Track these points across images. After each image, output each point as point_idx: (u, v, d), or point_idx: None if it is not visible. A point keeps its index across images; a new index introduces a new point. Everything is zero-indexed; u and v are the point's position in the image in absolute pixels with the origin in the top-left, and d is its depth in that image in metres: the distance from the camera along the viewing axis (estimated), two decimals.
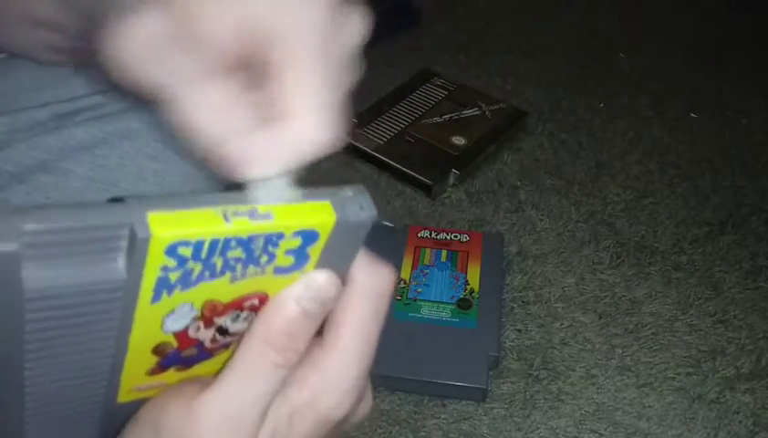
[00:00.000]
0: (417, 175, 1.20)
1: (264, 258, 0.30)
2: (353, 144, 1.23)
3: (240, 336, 0.33)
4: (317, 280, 0.31)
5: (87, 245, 0.26)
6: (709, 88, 1.45)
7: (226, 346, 0.34)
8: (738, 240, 1.15)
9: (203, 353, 0.34)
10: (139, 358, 0.32)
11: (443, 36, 1.53)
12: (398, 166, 1.21)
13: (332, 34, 0.30)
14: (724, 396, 0.95)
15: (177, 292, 0.29)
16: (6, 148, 0.50)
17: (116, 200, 0.27)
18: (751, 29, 1.61)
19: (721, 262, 1.12)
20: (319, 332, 0.34)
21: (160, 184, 0.50)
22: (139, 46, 0.29)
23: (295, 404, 0.33)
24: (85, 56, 0.42)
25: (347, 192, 0.30)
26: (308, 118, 0.29)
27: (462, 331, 0.97)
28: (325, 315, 0.33)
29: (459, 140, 1.26)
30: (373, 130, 1.26)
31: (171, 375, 0.34)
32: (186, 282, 0.29)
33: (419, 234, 1.09)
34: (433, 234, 1.10)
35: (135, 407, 0.35)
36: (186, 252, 0.27)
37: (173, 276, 0.28)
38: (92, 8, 0.35)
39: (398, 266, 1.05)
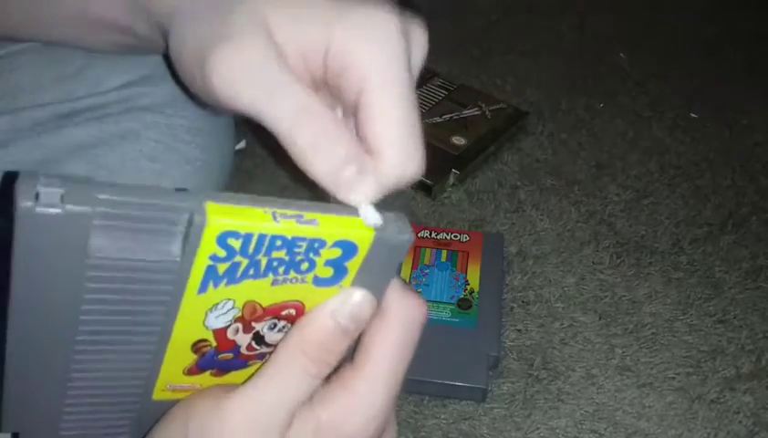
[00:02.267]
0: None
1: (305, 265, 0.31)
2: None
3: (274, 349, 0.34)
4: (354, 297, 0.33)
5: (149, 223, 0.28)
6: (709, 88, 1.45)
7: (261, 357, 0.35)
8: (738, 240, 1.15)
9: (239, 360, 0.35)
10: (179, 352, 0.33)
11: (443, 36, 1.53)
12: None
13: (406, 59, 0.32)
14: (724, 396, 0.95)
15: (222, 286, 0.30)
16: (6, 147, 0.50)
17: (180, 189, 0.29)
18: (751, 29, 1.61)
19: (721, 262, 1.12)
20: (353, 357, 0.35)
21: (160, 185, 0.50)
22: (236, 77, 0.31)
23: (321, 421, 0.34)
24: (141, 52, 0.43)
25: (389, 214, 0.32)
26: (395, 155, 0.31)
27: (462, 331, 0.97)
28: (358, 332, 0.34)
29: (459, 140, 1.26)
30: None
31: (206, 379, 0.35)
32: (232, 276, 0.30)
33: (419, 234, 1.09)
34: (433, 234, 1.10)
35: (167, 407, 0.35)
36: (235, 244, 0.29)
37: (221, 268, 0.30)
38: (165, 24, 0.36)
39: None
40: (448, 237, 1.09)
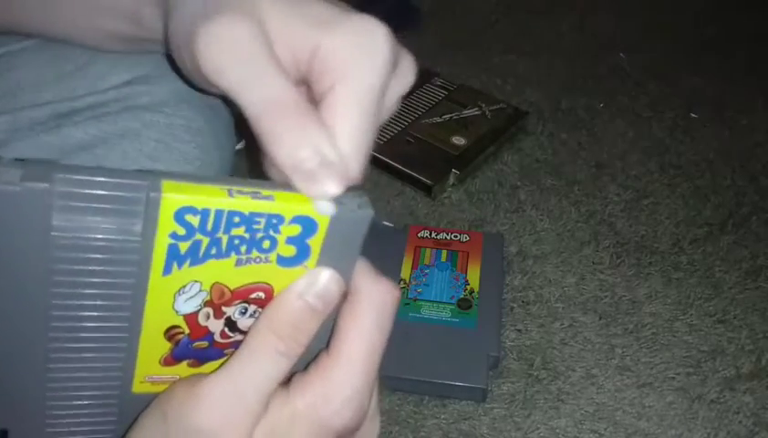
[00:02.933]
0: (417, 175, 1.20)
1: (267, 243, 0.31)
2: None
3: None
4: (321, 277, 0.33)
5: (110, 203, 0.29)
6: (709, 88, 1.45)
7: (236, 346, 0.35)
8: (738, 240, 1.15)
9: (214, 349, 0.35)
10: (153, 340, 0.33)
11: (443, 36, 1.53)
12: (398, 166, 1.21)
13: (390, 78, 0.33)
14: (724, 396, 0.95)
15: (186, 266, 0.31)
16: (6, 147, 0.50)
17: (140, 170, 0.30)
18: (751, 29, 1.61)
19: (721, 262, 1.12)
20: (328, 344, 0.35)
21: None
22: (222, 50, 0.31)
23: (297, 407, 0.34)
24: (156, 46, 0.43)
25: (348, 192, 0.32)
26: (351, 148, 0.32)
27: (462, 331, 0.97)
28: (328, 312, 0.34)
29: (459, 140, 1.26)
30: None
31: (184, 369, 0.35)
32: (195, 256, 0.31)
33: (419, 234, 1.09)
34: (433, 234, 1.10)
35: (148, 400, 0.35)
36: (193, 220, 0.29)
37: (183, 247, 0.30)
38: (169, 7, 0.37)
39: (398, 266, 1.05)
40: (448, 237, 1.09)
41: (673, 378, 0.97)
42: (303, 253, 0.32)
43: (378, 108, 0.33)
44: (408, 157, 1.22)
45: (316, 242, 0.32)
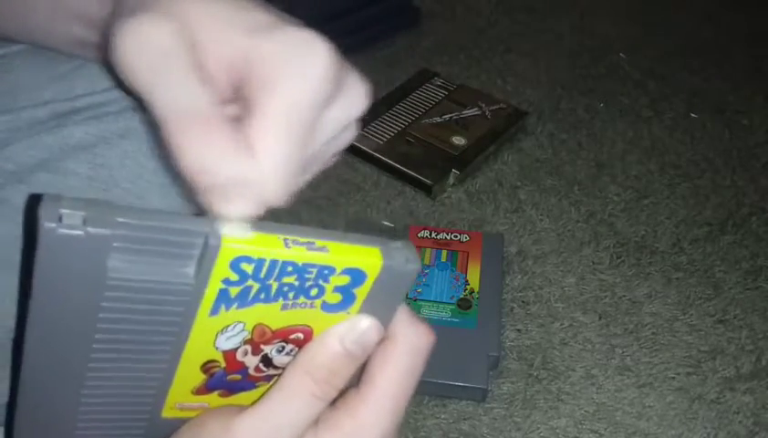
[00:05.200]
0: (417, 175, 1.20)
1: (315, 291, 0.32)
2: (353, 144, 1.23)
3: (282, 371, 0.35)
4: (362, 323, 0.33)
5: (166, 246, 0.29)
6: (709, 88, 1.45)
7: (268, 379, 0.35)
8: (738, 240, 1.15)
9: (246, 382, 0.35)
10: (189, 372, 0.34)
11: (443, 36, 1.53)
12: (398, 166, 1.21)
13: (326, 97, 0.30)
14: (724, 396, 0.95)
15: (234, 309, 0.31)
16: (6, 146, 0.50)
17: (197, 215, 0.30)
18: (751, 29, 1.61)
19: (721, 262, 1.12)
20: (358, 383, 0.35)
21: (160, 184, 0.51)
22: (136, 49, 0.29)
23: None
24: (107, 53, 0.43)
25: (396, 243, 0.33)
26: (268, 165, 0.29)
27: (462, 331, 0.97)
28: (365, 358, 0.34)
29: (459, 140, 1.26)
30: (373, 131, 1.26)
31: (214, 399, 0.36)
32: (243, 300, 0.31)
33: (419, 234, 1.09)
34: (433, 234, 1.09)
35: (176, 426, 0.36)
36: (248, 268, 0.30)
37: (233, 291, 0.31)
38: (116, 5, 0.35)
39: None
40: (448, 237, 1.09)
41: (673, 378, 0.97)
42: (348, 300, 0.33)
43: (309, 128, 0.30)
44: (408, 157, 1.22)
45: (362, 291, 0.33)
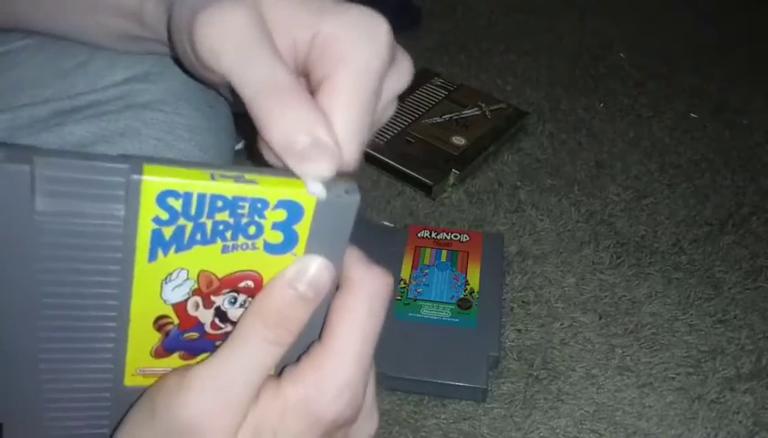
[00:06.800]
0: (417, 175, 1.20)
1: (253, 229, 0.31)
2: None
3: None
4: (310, 263, 0.32)
5: (91, 187, 0.28)
6: (709, 88, 1.45)
7: (227, 337, 0.34)
8: (738, 240, 1.15)
9: (205, 340, 0.34)
10: (142, 330, 0.33)
11: (443, 36, 1.53)
12: (398, 166, 1.21)
13: (383, 70, 0.33)
14: (724, 396, 0.95)
15: (172, 252, 0.31)
16: None
17: (123, 155, 0.30)
18: (751, 29, 1.61)
19: (721, 262, 1.12)
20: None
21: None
22: (218, 34, 0.32)
23: (288, 398, 0.33)
24: (155, 46, 0.43)
25: (338, 179, 0.32)
26: (345, 130, 0.32)
27: (462, 331, 0.97)
28: (319, 300, 0.33)
29: (459, 140, 1.26)
30: None
31: (176, 361, 0.35)
32: (180, 242, 0.30)
33: (419, 234, 1.09)
34: (433, 234, 1.09)
35: (141, 393, 0.35)
36: (176, 204, 0.29)
37: (167, 232, 0.30)
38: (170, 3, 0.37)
39: (398, 266, 1.04)
40: (448, 237, 1.09)
41: (673, 378, 0.97)
42: (290, 240, 0.32)
43: (376, 97, 0.33)
44: (408, 157, 1.22)
45: (303, 228, 0.31)
